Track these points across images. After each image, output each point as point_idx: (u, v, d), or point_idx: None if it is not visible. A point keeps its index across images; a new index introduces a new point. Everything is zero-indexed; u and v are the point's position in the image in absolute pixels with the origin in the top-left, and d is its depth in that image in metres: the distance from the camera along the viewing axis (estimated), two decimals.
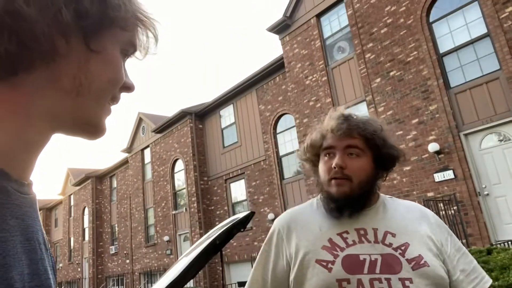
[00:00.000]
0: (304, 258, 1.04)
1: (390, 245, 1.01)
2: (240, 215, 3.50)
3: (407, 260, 0.97)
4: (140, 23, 0.52)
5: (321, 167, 1.13)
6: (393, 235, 1.04)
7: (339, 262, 0.99)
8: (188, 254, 3.13)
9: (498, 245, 6.44)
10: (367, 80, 9.96)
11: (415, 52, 9.01)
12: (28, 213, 0.44)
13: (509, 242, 6.62)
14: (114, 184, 23.39)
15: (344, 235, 1.05)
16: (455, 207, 7.94)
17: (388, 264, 0.97)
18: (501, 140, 7.81)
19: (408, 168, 8.82)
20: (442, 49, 8.71)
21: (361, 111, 10.14)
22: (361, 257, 0.99)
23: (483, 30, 8.07)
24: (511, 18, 7.57)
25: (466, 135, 8.16)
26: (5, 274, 0.37)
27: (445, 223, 7.68)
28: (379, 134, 1.11)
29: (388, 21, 9.64)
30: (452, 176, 8.07)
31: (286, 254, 1.10)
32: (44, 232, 0.49)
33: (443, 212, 7.91)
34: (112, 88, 0.49)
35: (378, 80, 9.74)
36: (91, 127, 0.49)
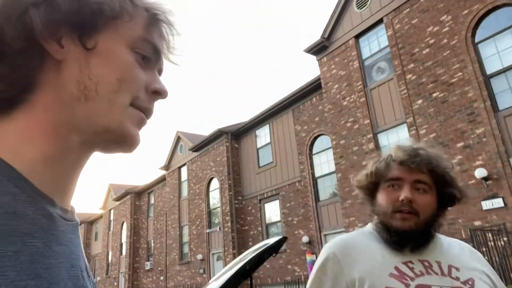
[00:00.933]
0: (372, 285, 0.99)
1: (457, 279, 1.00)
2: (272, 240, 3.42)
3: None
4: (151, 16, 0.47)
5: (383, 197, 1.09)
6: (457, 269, 1.02)
7: None
8: (218, 278, 3.08)
9: None
10: (408, 102, 9.65)
11: (460, 73, 8.64)
12: (72, 239, 0.44)
13: None
14: (152, 201, 23.94)
15: (410, 264, 1.02)
16: (505, 238, 7.35)
17: None
18: None
19: None
20: (489, 70, 8.30)
21: (401, 133, 9.80)
22: None
23: None
24: None
25: None
26: None
27: (494, 255, 7.13)
28: (449, 173, 1.10)
29: (431, 41, 9.36)
30: (502, 205, 7.52)
31: (346, 281, 1.04)
32: (86, 258, 0.49)
33: (492, 243, 7.35)
34: (125, 89, 0.45)
35: (419, 101, 9.40)
36: (113, 135, 0.44)
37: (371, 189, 1.15)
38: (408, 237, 1.03)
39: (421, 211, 1.04)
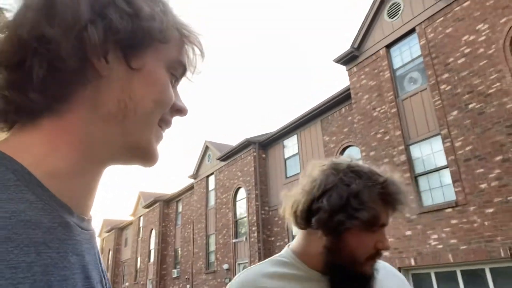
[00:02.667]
0: None
1: None
2: None
3: None
4: (183, 38, 0.49)
5: (360, 243, 0.90)
6: None
7: None
8: None
9: None
10: (442, 113, 9.32)
11: (498, 84, 8.27)
12: (88, 249, 0.43)
13: None
14: (180, 209, 24.25)
15: None
16: None
17: None
18: None
19: (490, 210, 7.92)
20: None
21: (435, 145, 9.46)
22: None
23: None
24: None
25: None
26: None
27: None
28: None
29: (466, 51, 9.04)
30: None
31: None
32: (102, 268, 0.48)
33: None
34: (159, 109, 0.46)
35: (455, 113, 9.06)
36: (142, 152, 0.46)
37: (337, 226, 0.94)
38: (369, 281, 0.92)
39: None
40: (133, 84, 0.44)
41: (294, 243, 1.05)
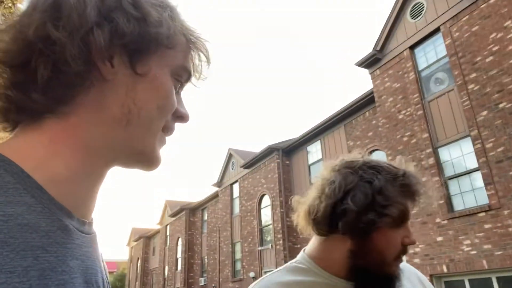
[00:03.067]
0: None
1: None
2: None
3: None
4: (190, 43, 0.48)
5: (389, 242, 0.86)
6: None
7: None
8: None
9: None
10: (471, 113, 9.00)
11: None
12: (88, 253, 0.42)
13: None
14: (205, 217, 24.41)
15: None
16: None
17: None
18: None
19: None
20: None
21: (464, 147, 9.13)
22: None
23: None
24: None
25: None
26: None
27: None
28: None
29: (494, 48, 8.72)
30: None
31: None
32: (105, 271, 0.48)
33: None
34: (163, 115, 0.46)
35: (484, 113, 8.73)
36: (145, 157, 0.46)
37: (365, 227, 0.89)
38: (392, 285, 0.87)
39: None
40: (137, 89, 0.44)
41: (310, 248, 1.00)
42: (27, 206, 0.36)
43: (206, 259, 23.22)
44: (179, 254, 26.29)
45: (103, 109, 0.43)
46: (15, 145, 0.41)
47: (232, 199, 20.49)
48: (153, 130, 0.46)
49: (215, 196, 22.76)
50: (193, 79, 0.51)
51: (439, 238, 9.11)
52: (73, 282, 0.38)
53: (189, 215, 25.71)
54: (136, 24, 0.42)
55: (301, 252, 1.02)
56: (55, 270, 0.36)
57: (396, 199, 0.85)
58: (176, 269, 26.50)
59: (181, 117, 0.50)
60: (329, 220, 0.88)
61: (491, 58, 8.77)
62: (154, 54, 0.45)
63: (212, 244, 22.55)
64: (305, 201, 0.97)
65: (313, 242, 1.00)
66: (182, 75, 0.49)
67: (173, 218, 27.79)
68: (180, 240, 26.39)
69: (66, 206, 0.40)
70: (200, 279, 23.28)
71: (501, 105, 8.40)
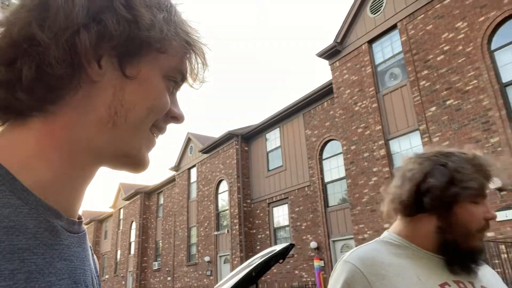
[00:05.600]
0: None
1: None
2: (279, 247, 3.40)
3: None
4: (187, 46, 0.47)
5: (471, 215, 0.95)
6: None
7: None
8: (223, 284, 3.07)
9: None
10: (421, 109, 9.52)
11: (475, 81, 8.50)
12: (77, 253, 0.42)
13: None
14: (161, 201, 24.07)
15: (447, 287, 0.94)
16: None
17: None
18: None
19: None
20: (505, 79, 8.13)
21: (413, 140, 9.67)
22: None
23: None
24: None
25: None
26: None
27: (507, 267, 6.96)
28: None
29: (445, 48, 9.23)
30: None
31: None
32: (95, 270, 0.48)
33: (505, 255, 7.18)
34: (153, 117, 0.45)
35: (433, 108, 9.27)
36: (130, 160, 0.45)
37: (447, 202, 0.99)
38: (478, 257, 0.97)
39: None
40: (126, 91, 0.43)
41: (396, 228, 1.06)
42: (14, 208, 0.36)
43: (160, 243, 23.00)
44: (133, 238, 25.82)
45: (90, 110, 0.42)
46: (0, 145, 0.40)
47: (189, 184, 20.34)
48: (140, 132, 0.45)
49: (172, 180, 22.46)
50: (190, 81, 0.51)
51: (386, 225, 9.64)
52: (61, 284, 0.38)
53: (144, 198, 25.22)
54: (126, 26, 0.41)
55: (386, 232, 1.08)
56: (42, 272, 0.36)
57: (474, 175, 0.95)
58: (129, 253, 26.04)
59: (175, 117, 0.49)
60: (414, 199, 0.97)
61: (442, 56, 9.28)
62: (144, 56, 0.44)
63: (167, 229, 22.35)
64: (389, 191, 1.05)
65: (398, 223, 1.07)
66: (176, 76, 0.48)
67: (127, 202, 27.14)
68: (134, 224, 25.88)
69: (53, 206, 0.40)
70: (154, 263, 23.07)
71: (448, 102, 8.95)
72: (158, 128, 0.48)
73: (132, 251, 25.56)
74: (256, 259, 2.89)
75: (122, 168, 0.47)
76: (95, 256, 0.50)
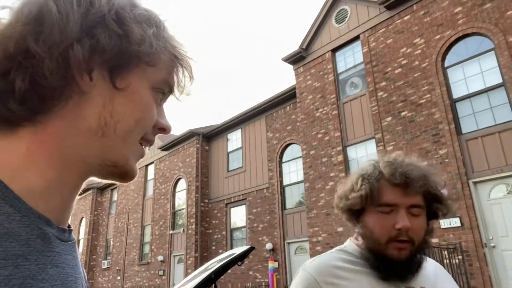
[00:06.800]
0: None
1: None
2: (239, 250, 3.41)
3: None
4: (174, 60, 0.49)
5: (376, 224, 0.97)
6: None
7: None
8: (183, 285, 3.02)
9: None
10: (378, 118, 9.93)
11: (428, 95, 9.00)
12: (68, 261, 0.43)
13: None
14: (115, 197, 23.24)
15: None
16: (460, 257, 7.68)
17: None
18: (510, 192, 7.63)
19: None
20: (455, 95, 8.69)
21: (369, 148, 10.06)
22: None
23: (498, 79, 8.07)
24: None
25: (475, 183, 8.00)
26: None
27: (449, 272, 7.47)
28: (441, 190, 1.02)
29: (403, 62, 9.70)
30: (459, 224, 7.86)
31: None
32: (85, 279, 0.49)
33: (447, 260, 7.66)
34: (141, 128, 0.47)
35: (389, 119, 9.70)
36: (118, 169, 0.46)
37: (357, 211, 1.03)
38: (403, 266, 0.95)
39: (416, 238, 0.96)
40: (115, 102, 0.44)
41: (354, 236, 1.10)
42: (6, 216, 0.36)
43: (111, 241, 22.20)
44: (82, 235, 24.71)
45: (80, 120, 0.43)
46: None
47: (146, 181, 19.82)
48: (129, 143, 0.46)
49: None
50: (176, 93, 0.52)
51: (340, 229, 9.97)
52: None
53: (96, 194, 24.24)
54: (117, 41, 0.43)
55: (348, 241, 1.13)
56: (36, 278, 0.36)
57: (370, 182, 0.99)
58: None
59: (162, 129, 0.50)
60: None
61: (399, 70, 9.74)
62: (134, 69, 0.45)
63: (120, 226, 21.61)
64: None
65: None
66: (164, 88, 0.49)
67: (78, 197, 25.85)
68: (84, 220, 24.79)
69: (45, 214, 0.41)
70: (103, 261, 22.22)
71: (403, 113, 9.41)
72: (146, 140, 0.49)
73: (81, 249, 24.44)
74: (214, 263, 2.88)
75: (110, 178, 0.48)
76: (84, 269, 0.51)
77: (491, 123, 8.05)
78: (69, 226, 0.47)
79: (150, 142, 0.50)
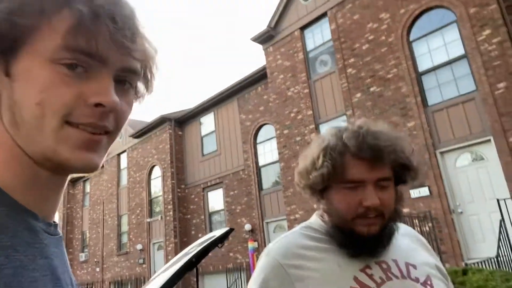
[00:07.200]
0: None
1: (416, 280, 0.90)
2: (219, 232, 3.41)
3: None
4: (71, 12, 0.39)
5: (341, 201, 0.91)
6: (414, 267, 0.92)
7: None
8: (164, 271, 3.02)
9: (472, 265, 6.54)
10: (348, 95, 10.08)
11: (395, 70, 9.19)
12: (56, 253, 0.43)
13: (483, 262, 6.74)
14: (88, 189, 22.71)
15: (368, 271, 0.89)
16: (430, 224, 8.05)
17: None
18: (475, 159, 8.01)
19: None
20: (421, 68, 8.91)
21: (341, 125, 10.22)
22: None
23: (460, 51, 8.32)
24: (488, 41, 7.83)
25: (442, 153, 8.33)
26: None
27: None
28: (410, 157, 0.93)
29: (370, 37, 9.81)
30: (428, 193, 8.20)
31: None
32: (72, 274, 0.48)
33: (418, 228, 8.01)
34: (50, 112, 0.39)
35: (358, 95, 9.86)
36: (52, 163, 0.41)
37: (320, 189, 0.96)
38: (373, 241, 0.89)
39: (386, 211, 0.90)
40: (14, 90, 0.40)
41: (320, 211, 1.03)
42: None
43: (87, 234, 21.81)
44: None
45: (3, 117, 0.42)
46: None
47: (119, 170, 19.42)
48: (47, 130, 0.39)
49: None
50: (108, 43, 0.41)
51: (315, 205, 10.19)
52: (44, 280, 0.39)
53: (68, 187, 23.58)
54: None
55: (314, 215, 1.07)
56: (27, 268, 0.37)
57: (334, 156, 0.90)
58: None
59: (99, 104, 0.40)
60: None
61: (367, 46, 9.86)
62: (21, 48, 0.39)
63: (95, 218, 21.22)
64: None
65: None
66: (69, 56, 0.39)
67: None
68: (57, 214, 24.12)
69: (30, 208, 0.41)
70: (80, 254, 21.85)
71: (372, 89, 9.59)
72: (79, 121, 0.40)
73: None
74: (195, 247, 2.89)
75: (69, 172, 0.45)
76: (69, 267, 0.50)
77: (455, 94, 8.33)
78: (54, 222, 0.46)
79: (89, 124, 0.41)
